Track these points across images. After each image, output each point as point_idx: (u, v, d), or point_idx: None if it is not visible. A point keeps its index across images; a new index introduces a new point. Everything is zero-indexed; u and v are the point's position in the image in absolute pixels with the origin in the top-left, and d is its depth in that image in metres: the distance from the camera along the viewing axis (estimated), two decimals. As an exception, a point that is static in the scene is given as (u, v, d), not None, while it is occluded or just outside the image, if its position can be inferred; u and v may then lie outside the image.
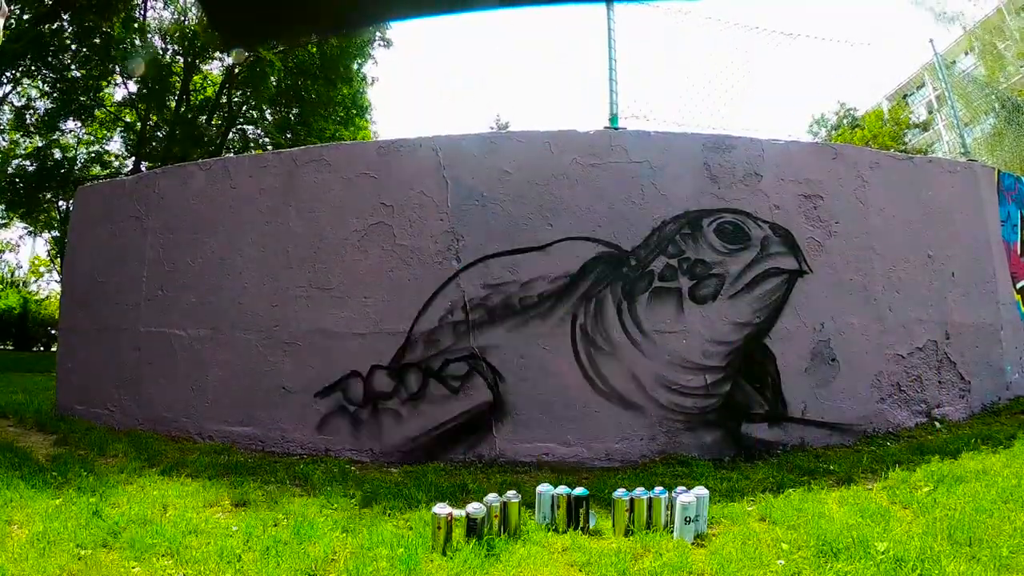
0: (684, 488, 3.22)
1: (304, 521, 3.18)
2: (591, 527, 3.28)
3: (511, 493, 3.25)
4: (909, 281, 4.90)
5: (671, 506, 3.14)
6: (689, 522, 2.98)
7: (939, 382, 4.87)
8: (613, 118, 4.69)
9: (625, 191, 4.48)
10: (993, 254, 5.38)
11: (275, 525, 3.17)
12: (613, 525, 3.22)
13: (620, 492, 3.24)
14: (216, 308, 5.17)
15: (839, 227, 4.74)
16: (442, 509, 2.92)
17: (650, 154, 4.50)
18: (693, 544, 2.97)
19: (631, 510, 3.18)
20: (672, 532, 3.07)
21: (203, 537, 2.94)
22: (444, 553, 2.83)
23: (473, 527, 3.01)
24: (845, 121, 21.37)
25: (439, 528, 2.90)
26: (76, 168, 17.26)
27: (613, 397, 4.38)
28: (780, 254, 4.55)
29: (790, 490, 3.59)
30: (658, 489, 3.23)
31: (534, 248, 4.49)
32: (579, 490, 3.32)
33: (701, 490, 3.11)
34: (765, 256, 4.51)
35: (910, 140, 19.71)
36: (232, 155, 4.90)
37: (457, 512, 3.01)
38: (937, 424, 4.74)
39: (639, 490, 3.24)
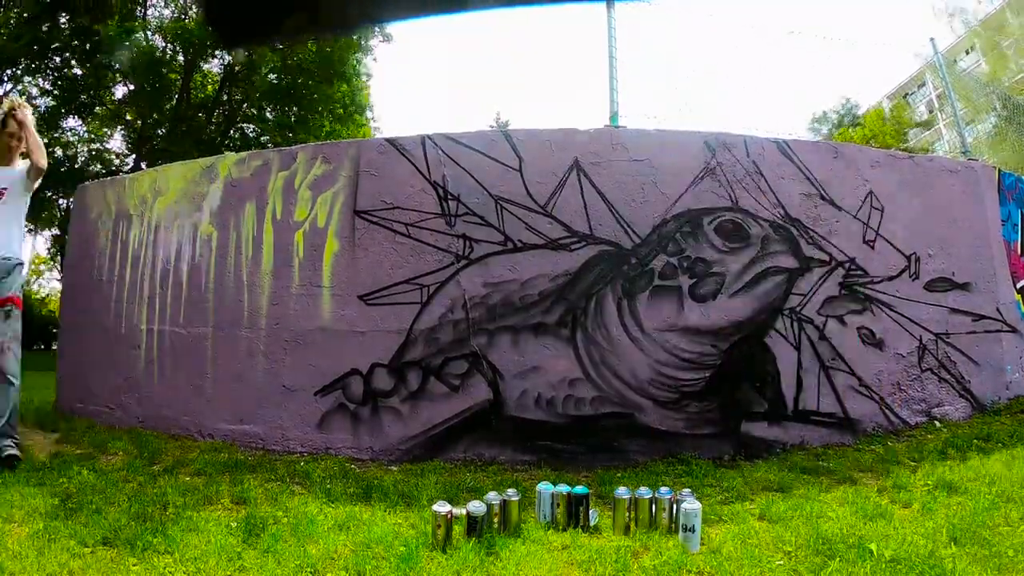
0: (689, 491, 3.22)
1: (304, 519, 3.18)
2: (592, 525, 3.28)
3: (511, 491, 3.25)
4: (908, 280, 4.90)
5: (674, 506, 3.14)
6: (687, 530, 2.94)
7: (939, 381, 4.87)
8: (614, 116, 4.68)
9: (626, 189, 4.47)
10: (993, 253, 5.37)
11: (275, 523, 3.16)
12: (614, 524, 3.22)
13: (622, 491, 3.24)
14: (217, 306, 5.16)
15: (839, 226, 4.73)
16: (442, 507, 2.92)
17: (650, 152, 4.49)
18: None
19: (632, 509, 3.19)
20: (673, 532, 3.07)
21: (203, 535, 2.93)
22: (444, 551, 2.83)
23: (473, 525, 2.99)
24: (846, 120, 21.18)
25: (439, 526, 2.90)
26: (76, 166, 17.25)
27: (613, 396, 4.37)
28: (780, 253, 4.54)
29: (790, 489, 3.60)
30: (663, 489, 3.23)
31: (535, 246, 4.48)
32: (579, 488, 3.32)
33: (694, 502, 3.02)
34: (765, 255, 4.51)
35: (911, 139, 19.56)
36: (230, 152, 4.95)
37: (457, 510, 3.00)
38: (937, 423, 4.73)
39: (642, 489, 3.24)
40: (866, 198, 4.85)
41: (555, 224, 4.46)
